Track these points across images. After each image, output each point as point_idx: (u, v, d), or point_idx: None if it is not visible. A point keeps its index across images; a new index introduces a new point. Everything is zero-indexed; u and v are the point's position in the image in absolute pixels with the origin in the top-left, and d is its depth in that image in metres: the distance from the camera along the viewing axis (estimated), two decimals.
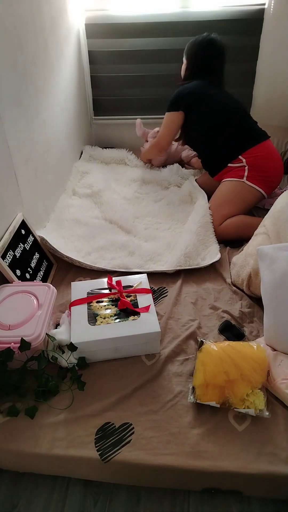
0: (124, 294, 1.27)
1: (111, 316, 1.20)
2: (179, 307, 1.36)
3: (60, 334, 1.16)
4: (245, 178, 1.74)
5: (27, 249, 1.44)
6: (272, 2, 2.04)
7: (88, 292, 1.29)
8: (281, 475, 0.91)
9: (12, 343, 1.06)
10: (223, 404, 1.02)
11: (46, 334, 1.13)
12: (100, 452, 0.95)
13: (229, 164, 1.80)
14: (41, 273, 1.49)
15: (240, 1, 2.06)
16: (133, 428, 1.00)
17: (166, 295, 1.41)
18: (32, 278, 1.42)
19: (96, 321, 1.18)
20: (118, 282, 1.31)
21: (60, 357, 1.12)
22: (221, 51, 1.83)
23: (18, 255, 1.37)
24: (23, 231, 1.44)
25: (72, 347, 1.11)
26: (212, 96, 1.83)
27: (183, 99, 1.84)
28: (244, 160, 1.75)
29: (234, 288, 1.44)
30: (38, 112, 1.62)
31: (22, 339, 1.05)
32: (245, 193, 1.75)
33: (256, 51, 2.18)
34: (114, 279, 1.33)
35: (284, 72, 2.23)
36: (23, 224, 1.45)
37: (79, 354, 1.14)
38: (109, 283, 1.31)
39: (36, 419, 1.02)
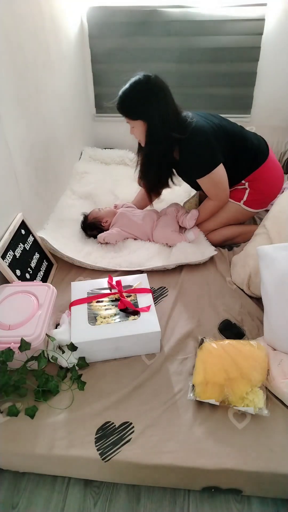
0: (124, 294, 1.27)
1: (111, 316, 1.20)
2: (179, 307, 1.36)
3: (60, 334, 1.16)
4: (242, 202, 1.64)
5: (27, 249, 1.44)
6: (274, 2, 2.03)
7: (88, 292, 1.29)
8: (280, 473, 0.91)
9: (12, 343, 1.06)
10: (222, 402, 1.02)
11: (46, 334, 1.13)
12: (100, 451, 0.96)
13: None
14: (41, 273, 1.49)
15: (242, 1, 2.06)
16: (133, 427, 1.00)
17: (167, 295, 1.41)
18: (32, 278, 1.42)
19: (96, 321, 1.18)
20: (118, 282, 1.31)
21: (60, 357, 1.12)
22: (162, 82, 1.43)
23: (18, 255, 1.37)
24: (23, 231, 1.45)
25: (72, 347, 1.11)
26: (217, 126, 1.54)
27: (217, 150, 1.50)
28: (246, 184, 1.63)
29: (234, 287, 1.44)
30: (38, 112, 1.62)
31: (22, 339, 1.06)
32: (238, 215, 1.69)
33: (258, 52, 2.18)
34: (114, 279, 1.33)
35: (285, 73, 2.23)
36: (23, 224, 1.45)
37: (79, 354, 1.14)
38: (110, 283, 1.31)
39: (36, 419, 1.02)
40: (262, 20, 2.09)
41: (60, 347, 1.17)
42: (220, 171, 1.51)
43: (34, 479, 1.09)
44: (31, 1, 1.51)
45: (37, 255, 1.50)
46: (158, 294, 1.42)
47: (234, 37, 2.16)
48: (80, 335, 1.13)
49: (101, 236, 1.68)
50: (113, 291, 1.29)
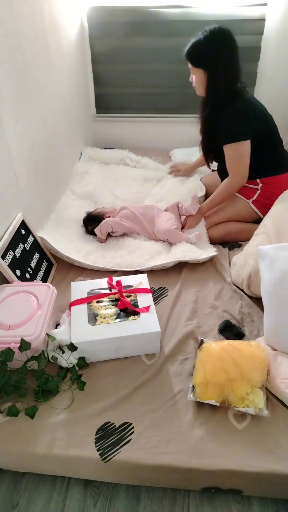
0: (124, 294, 1.27)
1: (111, 316, 1.20)
2: (179, 307, 1.36)
3: (60, 334, 1.16)
4: (251, 200, 1.68)
5: (27, 249, 1.44)
6: (274, 2, 2.03)
7: (88, 292, 1.29)
8: (280, 473, 0.91)
9: (12, 343, 1.06)
10: (222, 402, 1.02)
11: (46, 334, 1.13)
12: (100, 451, 0.96)
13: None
14: (41, 273, 1.49)
15: (242, 1, 2.06)
16: (133, 427, 1.00)
17: (166, 295, 1.41)
18: (32, 278, 1.42)
19: (96, 321, 1.18)
20: (118, 282, 1.31)
21: (60, 357, 1.12)
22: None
23: (18, 255, 1.37)
24: (23, 231, 1.44)
25: (72, 347, 1.11)
26: (262, 112, 1.60)
27: (250, 126, 1.53)
28: (260, 185, 1.66)
29: (234, 287, 1.44)
30: (38, 112, 1.62)
31: (22, 339, 1.06)
32: (244, 212, 1.71)
33: (258, 52, 2.18)
34: (114, 279, 1.33)
35: (285, 73, 2.23)
36: (23, 224, 1.45)
37: (79, 354, 1.14)
38: (109, 283, 1.31)
39: (36, 419, 1.02)
40: (262, 20, 2.09)
41: (60, 347, 1.17)
42: (246, 146, 1.53)
43: (34, 479, 1.09)
44: (31, 1, 1.51)
45: (37, 255, 1.50)
46: (158, 294, 1.42)
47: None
48: (80, 335, 1.13)
49: (97, 228, 1.69)
50: (113, 291, 1.29)
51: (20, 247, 1.40)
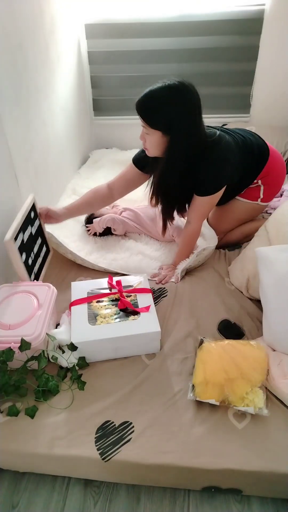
0: (124, 294, 1.27)
1: (111, 316, 1.20)
2: (179, 307, 1.36)
3: (60, 334, 1.16)
4: (259, 200, 1.62)
5: (33, 233, 1.42)
6: (272, 2, 2.04)
7: (88, 292, 1.29)
8: (280, 473, 0.91)
9: (12, 343, 1.06)
10: (222, 402, 1.02)
11: (46, 334, 1.13)
12: (100, 451, 0.96)
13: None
14: (40, 259, 1.47)
15: (240, 1, 2.06)
16: (133, 426, 1.00)
17: (166, 295, 1.41)
18: (33, 264, 1.40)
19: (96, 321, 1.18)
20: (118, 282, 1.31)
21: (60, 357, 1.13)
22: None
23: (25, 239, 1.34)
24: (32, 214, 1.42)
25: (72, 347, 1.11)
26: (232, 143, 1.42)
27: (230, 176, 1.42)
28: (259, 181, 1.59)
29: (233, 287, 1.45)
30: (38, 112, 1.62)
31: (22, 339, 1.06)
32: (254, 212, 1.68)
33: (256, 51, 2.19)
34: (114, 279, 1.33)
35: (283, 72, 2.23)
36: (33, 207, 1.43)
37: (79, 354, 1.14)
38: (110, 283, 1.31)
39: (36, 419, 1.03)
40: (260, 19, 2.09)
41: (60, 347, 1.17)
42: (220, 194, 1.42)
43: (34, 479, 1.09)
44: (32, 2, 1.51)
45: (39, 240, 1.48)
46: (158, 294, 1.42)
47: (233, 36, 2.16)
48: (80, 335, 1.14)
49: (98, 220, 1.69)
50: (113, 291, 1.29)
51: (28, 230, 1.38)
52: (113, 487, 1.07)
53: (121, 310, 1.22)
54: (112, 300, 1.26)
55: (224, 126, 1.63)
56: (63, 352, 1.14)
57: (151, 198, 1.48)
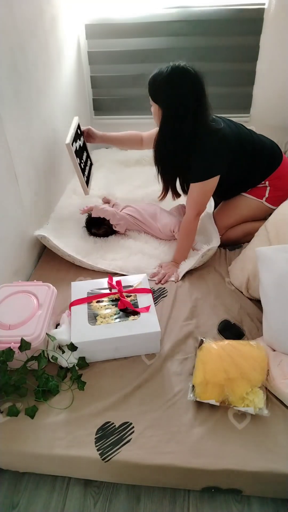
0: (124, 294, 1.27)
1: (111, 316, 1.20)
2: (179, 307, 1.36)
3: (60, 334, 1.16)
4: (264, 199, 1.63)
5: (81, 145, 1.76)
6: (273, 2, 2.04)
7: (88, 292, 1.29)
8: (280, 473, 0.91)
9: (12, 343, 1.06)
10: (222, 402, 1.02)
11: (46, 334, 1.13)
12: (100, 451, 0.96)
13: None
14: (88, 168, 1.85)
15: (240, 0, 2.06)
16: (133, 427, 1.00)
17: (166, 295, 1.41)
18: (83, 171, 1.74)
19: (96, 321, 1.18)
20: (118, 282, 1.31)
21: (60, 357, 1.13)
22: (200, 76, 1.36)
23: (77, 147, 1.68)
24: (78, 131, 1.74)
25: (72, 347, 1.11)
26: (233, 139, 1.48)
27: (221, 166, 1.46)
28: (267, 182, 1.62)
29: (234, 287, 1.45)
30: (38, 112, 1.62)
31: (22, 339, 1.06)
32: (258, 212, 1.68)
33: (256, 51, 2.18)
34: (114, 279, 1.33)
35: (284, 72, 2.22)
36: (79, 126, 1.74)
37: (79, 354, 1.14)
38: (109, 283, 1.31)
39: (36, 419, 1.03)
40: (261, 19, 2.09)
41: (60, 347, 1.17)
42: (213, 183, 1.46)
43: (34, 479, 1.09)
44: (32, 1, 1.51)
45: (85, 154, 1.83)
46: (158, 294, 1.42)
47: (233, 36, 2.16)
48: (80, 335, 1.13)
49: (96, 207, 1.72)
50: (113, 291, 1.29)
51: (77, 142, 1.69)
52: (113, 487, 1.07)
53: (121, 310, 1.22)
54: (112, 300, 1.26)
55: None
56: (63, 352, 1.14)
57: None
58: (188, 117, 1.34)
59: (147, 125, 2.28)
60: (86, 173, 1.79)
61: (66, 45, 1.97)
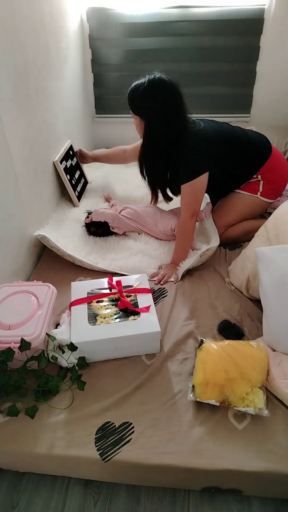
0: (124, 294, 1.27)
1: (111, 316, 1.20)
2: (179, 307, 1.36)
3: (60, 334, 1.16)
4: (259, 193, 1.65)
5: (73, 165, 1.96)
6: (273, 2, 2.04)
7: (88, 292, 1.29)
8: (280, 473, 0.91)
9: (12, 343, 1.06)
10: (222, 402, 1.02)
11: (46, 334, 1.13)
12: (100, 451, 0.96)
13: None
14: (81, 185, 2.01)
15: (241, 1, 2.06)
16: (133, 427, 1.00)
17: (166, 295, 1.41)
18: (75, 186, 1.93)
19: (96, 321, 1.18)
20: (118, 282, 1.31)
21: (60, 357, 1.12)
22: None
23: (68, 165, 1.90)
24: (70, 152, 1.96)
25: (72, 347, 1.11)
26: (214, 135, 1.52)
27: (207, 163, 1.49)
28: (259, 176, 1.64)
29: (234, 287, 1.44)
30: (38, 112, 1.62)
31: (22, 339, 1.05)
32: (255, 207, 1.69)
33: (257, 51, 2.19)
34: (114, 279, 1.33)
35: (284, 73, 2.23)
36: (71, 148, 1.97)
37: (79, 354, 1.14)
38: (109, 283, 1.31)
39: (36, 419, 1.02)
40: (261, 19, 2.09)
41: (60, 347, 1.17)
42: (203, 181, 1.49)
43: (34, 479, 1.09)
44: (31, 1, 1.51)
45: (78, 172, 2.01)
46: (158, 295, 1.42)
47: (234, 36, 2.16)
48: (80, 335, 1.13)
49: (96, 210, 1.74)
50: (113, 291, 1.29)
51: (69, 161, 1.92)
52: (113, 487, 1.07)
53: (121, 310, 1.22)
54: (112, 300, 1.26)
55: None
56: (63, 352, 1.14)
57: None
58: (169, 125, 1.41)
59: None
60: (78, 188, 1.97)
61: (67, 44, 1.97)
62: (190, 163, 1.48)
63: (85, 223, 1.76)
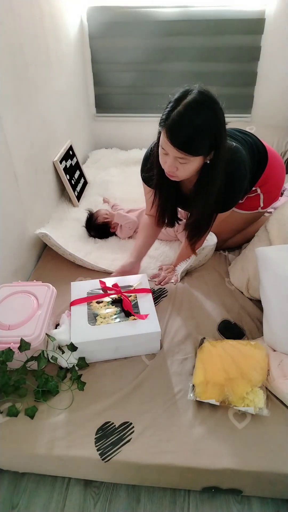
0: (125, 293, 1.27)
1: (111, 316, 1.20)
2: (179, 307, 1.36)
3: (60, 334, 1.16)
4: (260, 208, 1.53)
5: (73, 165, 2.03)
6: (274, 2, 2.04)
7: (88, 292, 1.29)
8: (280, 473, 0.91)
9: (12, 343, 1.06)
10: (222, 402, 1.02)
11: (46, 334, 1.13)
12: (100, 451, 0.95)
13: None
14: (80, 185, 2.06)
15: (242, 0, 2.06)
16: (133, 427, 1.00)
17: (166, 296, 1.41)
18: (74, 187, 1.98)
19: (96, 321, 1.18)
20: (115, 285, 1.30)
21: (60, 357, 1.12)
22: None
23: (68, 165, 1.95)
24: (70, 152, 2.04)
25: (72, 347, 1.11)
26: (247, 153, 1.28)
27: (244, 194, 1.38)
28: (258, 189, 1.47)
29: (234, 287, 1.44)
30: (38, 112, 1.62)
31: (22, 339, 1.05)
32: (255, 219, 1.61)
33: (258, 51, 2.18)
34: (110, 281, 1.32)
35: (285, 72, 2.23)
36: (71, 148, 2.05)
37: (79, 354, 1.14)
38: (103, 288, 1.29)
39: (36, 419, 1.02)
40: (262, 19, 2.09)
41: (60, 347, 1.17)
42: None
43: (34, 479, 1.09)
44: (31, 1, 1.51)
45: (78, 172, 2.08)
46: (158, 295, 1.42)
47: (235, 36, 2.16)
48: (80, 335, 1.13)
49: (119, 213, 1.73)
50: (109, 292, 1.29)
51: (69, 161, 1.98)
52: (113, 487, 1.06)
53: (121, 310, 1.22)
54: (112, 300, 1.26)
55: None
56: (63, 352, 1.14)
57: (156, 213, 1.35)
58: (222, 144, 1.07)
59: (149, 123, 2.28)
60: (77, 188, 2.02)
61: (66, 44, 1.97)
62: (234, 195, 1.26)
63: (85, 225, 1.76)
